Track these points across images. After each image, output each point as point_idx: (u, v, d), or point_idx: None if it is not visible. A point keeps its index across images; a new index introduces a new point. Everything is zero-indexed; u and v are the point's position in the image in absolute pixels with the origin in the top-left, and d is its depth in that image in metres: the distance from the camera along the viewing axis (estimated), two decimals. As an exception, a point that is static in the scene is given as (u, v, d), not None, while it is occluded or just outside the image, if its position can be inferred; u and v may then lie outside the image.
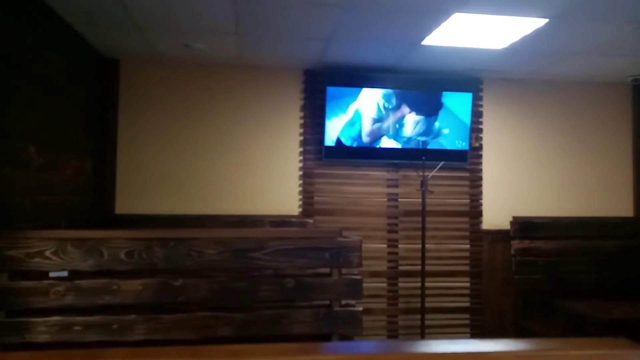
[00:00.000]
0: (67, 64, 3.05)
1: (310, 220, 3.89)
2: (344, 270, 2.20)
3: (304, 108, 4.01)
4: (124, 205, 3.78)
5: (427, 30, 3.03)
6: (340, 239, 2.20)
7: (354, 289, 2.18)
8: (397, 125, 3.92)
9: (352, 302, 2.20)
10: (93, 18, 2.91)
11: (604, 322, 3.07)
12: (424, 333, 3.81)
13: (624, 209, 4.31)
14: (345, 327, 2.16)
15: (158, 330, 2.06)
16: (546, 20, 2.82)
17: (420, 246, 3.88)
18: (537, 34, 3.05)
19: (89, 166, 3.42)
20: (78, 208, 3.25)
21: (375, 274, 4.04)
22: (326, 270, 2.20)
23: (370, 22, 2.91)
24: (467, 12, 2.72)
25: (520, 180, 4.22)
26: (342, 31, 3.07)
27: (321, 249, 2.16)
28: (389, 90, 3.90)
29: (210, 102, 3.91)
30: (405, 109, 3.92)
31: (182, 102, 3.87)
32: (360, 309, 2.17)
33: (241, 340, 2.07)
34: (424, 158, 3.83)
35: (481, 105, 4.20)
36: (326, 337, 2.17)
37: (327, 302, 2.17)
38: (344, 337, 2.17)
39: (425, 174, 3.85)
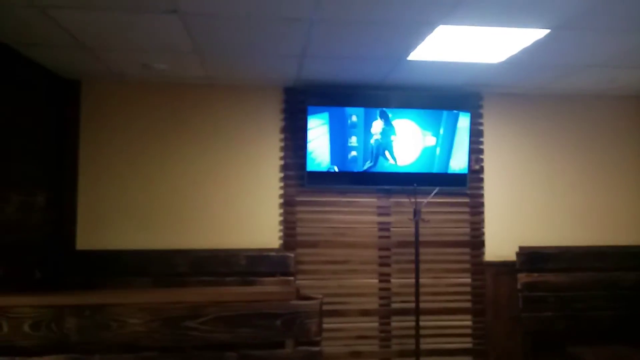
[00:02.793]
0: (4, 88, 2.73)
1: (291, 254, 3.51)
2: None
3: (284, 130, 3.64)
4: (86, 240, 3.44)
5: (411, 45, 2.65)
6: (294, 302, 1.81)
7: (312, 364, 1.79)
8: (387, 148, 3.54)
9: (310, 378, 1.81)
10: (31, 37, 2.59)
11: (624, 379, 2.63)
12: (419, 380, 3.40)
13: (645, 236, 3.85)
14: (300, 411, 1.77)
15: (70, 418, 1.69)
16: (547, 31, 2.42)
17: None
18: (538, 45, 2.64)
19: (40, 200, 3.09)
20: (25, 248, 2.92)
21: (365, 313, 3.64)
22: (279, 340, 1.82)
23: (343, 37, 2.54)
24: (452, 24, 2.33)
25: (526, 205, 3.79)
26: (314, 47, 2.71)
27: (271, 316, 1.78)
28: (377, 110, 3.52)
29: (180, 126, 3.56)
30: (395, 129, 3.53)
31: (150, 126, 3.53)
32: (319, 388, 1.78)
33: None
34: (415, 185, 3.43)
35: (481, 124, 3.79)
36: (279, 422, 1.78)
37: (279, 381, 1.79)
38: (300, 423, 1.78)
39: (419, 200, 3.45)
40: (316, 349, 1.79)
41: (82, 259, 3.39)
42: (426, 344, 3.59)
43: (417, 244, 3.44)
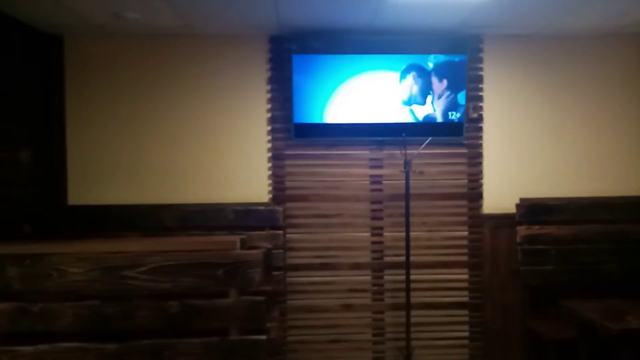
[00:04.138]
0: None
1: (280, 209, 3.45)
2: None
3: (271, 81, 3.52)
4: (77, 195, 3.48)
5: (387, -20, 2.46)
6: (236, 251, 1.76)
7: (255, 314, 1.75)
8: (378, 97, 3.37)
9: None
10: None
11: (613, 333, 2.50)
12: (409, 331, 3.35)
13: (658, 186, 3.59)
14: (245, 360, 1.75)
15: (16, 364, 1.72)
16: (533, -44, 2.18)
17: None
18: (529, -25, 2.40)
19: (24, 157, 3.11)
20: (12, 203, 2.97)
21: (357, 266, 3.58)
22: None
23: (310, -27, 2.37)
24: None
25: (528, 155, 3.58)
26: (283, -13, 2.55)
27: (213, 265, 1.74)
28: (365, 56, 3.34)
29: (165, 80, 3.48)
30: (386, 76, 3.36)
31: (135, 80, 3.47)
32: (264, 337, 1.74)
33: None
34: (404, 135, 3.28)
35: (481, 69, 3.55)
36: (224, 372, 1.76)
37: (222, 330, 1.76)
38: (245, 372, 1.76)
39: (411, 152, 3.31)
40: (260, 298, 1.75)
41: (74, 214, 3.44)
42: (421, 297, 3.53)
43: (407, 196, 3.33)
